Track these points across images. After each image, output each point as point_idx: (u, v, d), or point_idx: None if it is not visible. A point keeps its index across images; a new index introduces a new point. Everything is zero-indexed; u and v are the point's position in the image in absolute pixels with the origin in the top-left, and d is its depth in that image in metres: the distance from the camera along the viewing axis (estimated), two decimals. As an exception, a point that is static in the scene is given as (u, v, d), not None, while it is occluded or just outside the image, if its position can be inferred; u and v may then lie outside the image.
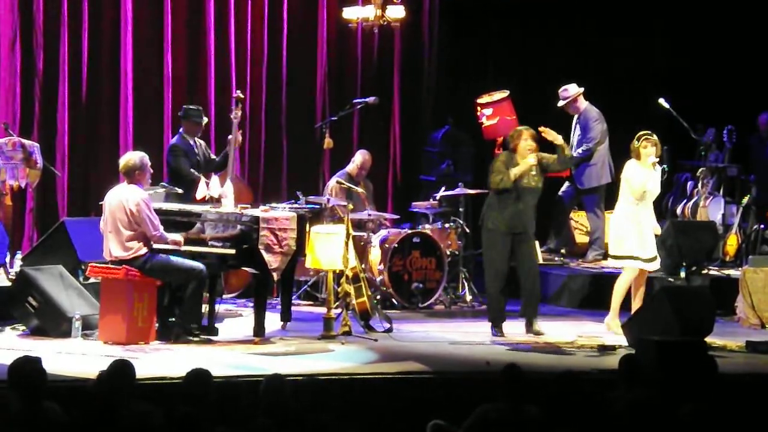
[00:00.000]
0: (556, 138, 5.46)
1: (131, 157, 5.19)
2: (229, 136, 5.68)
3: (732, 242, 6.86)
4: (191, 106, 5.89)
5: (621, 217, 5.54)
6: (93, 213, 6.20)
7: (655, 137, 5.54)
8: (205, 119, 5.83)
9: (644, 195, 5.49)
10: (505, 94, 6.88)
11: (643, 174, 5.49)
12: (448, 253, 6.36)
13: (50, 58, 6.47)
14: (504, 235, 5.40)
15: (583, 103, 6.84)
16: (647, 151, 5.49)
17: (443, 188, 6.63)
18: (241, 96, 5.74)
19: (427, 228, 6.42)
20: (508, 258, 5.41)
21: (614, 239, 5.56)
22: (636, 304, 5.53)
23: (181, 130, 5.81)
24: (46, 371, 3.40)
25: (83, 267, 5.45)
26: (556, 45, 7.71)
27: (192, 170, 5.65)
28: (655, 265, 5.60)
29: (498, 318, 5.48)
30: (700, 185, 7.08)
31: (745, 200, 6.94)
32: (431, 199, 6.60)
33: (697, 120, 7.23)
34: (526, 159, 5.41)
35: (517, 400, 3.41)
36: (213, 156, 5.85)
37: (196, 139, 5.77)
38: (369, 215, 6.37)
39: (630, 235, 5.49)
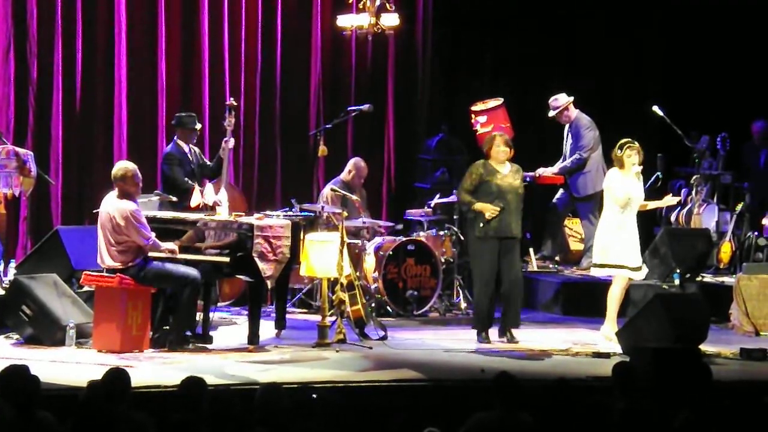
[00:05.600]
0: None
1: (122, 166, 5.16)
2: (223, 143, 5.65)
3: (726, 249, 6.87)
4: (183, 114, 5.88)
5: (606, 226, 5.54)
6: (87, 221, 6.18)
7: (637, 144, 5.53)
8: (199, 125, 5.81)
9: (629, 203, 5.48)
10: (499, 101, 6.90)
11: (625, 182, 5.49)
12: (443, 260, 6.36)
13: (44, 67, 6.46)
14: (491, 242, 5.41)
15: (573, 112, 6.86)
16: (631, 159, 5.48)
17: (438, 196, 6.63)
18: (234, 103, 5.74)
19: (421, 235, 6.43)
20: (497, 266, 5.42)
21: (600, 248, 5.55)
22: (613, 312, 5.50)
23: (175, 137, 5.79)
24: (38, 379, 3.39)
25: (77, 275, 5.44)
26: (551, 53, 7.73)
27: (187, 179, 5.62)
28: (641, 275, 5.59)
29: (485, 326, 5.48)
30: (694, 192, 7.10)
31: (739, 207, 6.96)
32: (426, 207, 6.61)
33: (691, 127, 7.26)
34: (491, 210, 5.38)
35: (511, 407, 3.41)
36: (207, 162, 5.83)
37: (190, 146, 5.75)
38: (363, 223, 6.37)
39: (615, 245, 5.48)
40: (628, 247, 5.50)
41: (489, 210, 5.39)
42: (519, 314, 5.53)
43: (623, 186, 5.48)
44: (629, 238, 5.51)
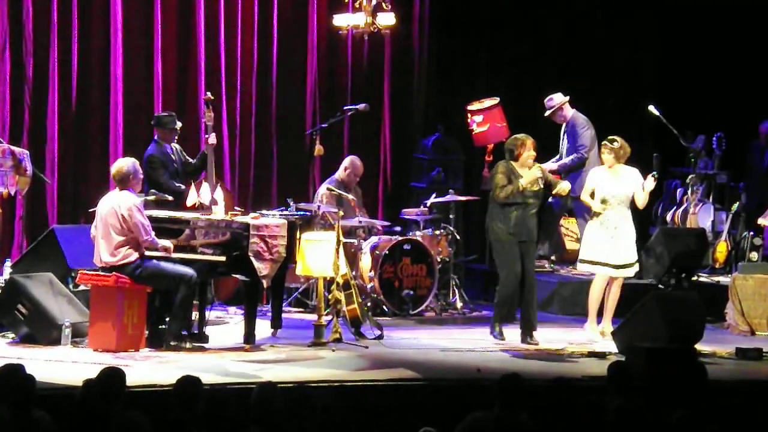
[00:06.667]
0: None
1: (123, 164, 5.18)
2: (209, 141, 5.62)
3: (721, 249, 6.89)
4: (163, 113, 5.86)
5: (590, 223, 5.61)
6: (83, 220, 6.17)
7: (617, 143, 5.57)
8: (179, 124, 5.79)
9: (606, 200, 5.53)
10: (495, 101, 6.89)
11: (604, 179, 5.54)
12: (439, 259, 6.36)
13: (40, 66, 6.44)
14: (512, 243, 5.45)
15: (569, 111, 6.86)
16: (604, 156, 5.57)
17: (434, 195, 6.63)
18: (212, 97, 5.71)
19: (417, 235, 6.42)
20: (521, 262, 5.43)
21: (585, 244, 5.62)
22: (608, 312, 5.55)
23: (155, 137, 5.77)
24: (34, 378, 3.39)
25: (73, 274, 5.43)
26: (547, 52, 7.74)
27: (171, 181, 5.60)
28: (628, 272, 5.60)
29: (505, 320, 5.50)
30: (689, 192, 7.11)
31: (735, 207, 6.97)
32: (422, 206, 6.61)
33: (687, 127, 7.27)
34: (533, 170, 5.46)
35: (511, 408, 3.41)
36: (190, 159, 5.79)
37: (171, 144, 5.72)
38: (360, 222, 6.38)
39: (600, 241, 5.52)
40: (611, 244, 5.52)
41: (531, 179, 5.39)
42: (536, 317, 5.57)
43: (600, 183, 5.54)
44: (613, 235, 5.53)
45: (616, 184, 5.55)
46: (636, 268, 5.65)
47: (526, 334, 5.51)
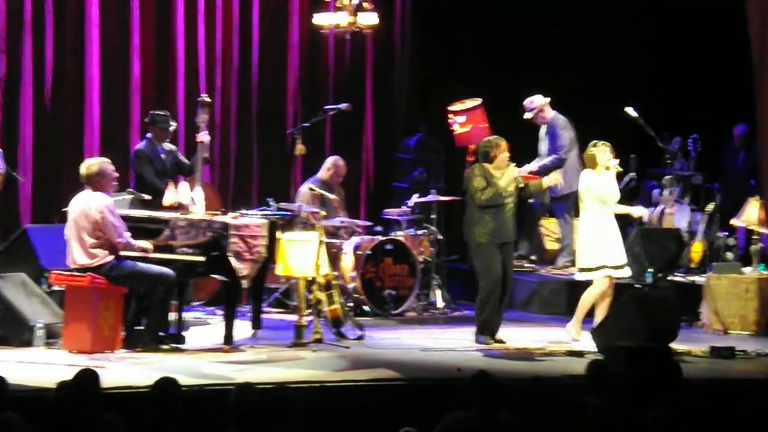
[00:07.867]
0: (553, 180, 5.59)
1: (91, 164, 5.11)
2: (198, 140, 5.59)
3: (697, 249, 6.97)
4: (158, 112, 5.80)
5: (588, 228, 5.58)
6: (56, 220, 6.08)
7: (608, 144, 5.61)
8: (174, 124, 5.73)
9: (608, 200, 5.55)
10: (477, 101, 6.91)
11: (602, 180, 5.56)
12: (421, 259, 6.37)
13: (13, 63, 6.34)
14: (495, 246, 5.43)
15: (549, 113, 6.90)
16: (605, 155, 5.56)
17: (416, 195, 6.64)
18: (207, 99, 5.67)
19: (399, 235, 6.42)
20: (501, 264, 5.43)
21: (584, 252, 5.58)
22: (601, 313, 5.54)
23: (148, 135, 5.71)
24: (5, 380, 3.33)
25: (46, 275, 5.35)
26: (528, 53, 7.78)
27: (155, 178, 5.54)
28: (625, 272, 5.64)
29: (489, 325, 5.48)
30: (666, 193, 7.19)
31: (710, 208, 7.07)
32: (404, 206, 6.61)
33: (663, 129, 7.35)
34: (510, 170, 5.45)
35: (488, 406, 3.42)
36: (185, 160, 5.74)
37: (164, 144, 5.67)
38: (341, 222, 6.35)
39: (599, 246, 5.53)
40: (611, 246, 5.54)
41: (509, 179, 5.40)
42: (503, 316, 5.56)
43: (602, 184, 5.55)
44: (611, 236, 5.56)
45: (610, 186, 5.57)
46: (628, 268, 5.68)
47: (493, 332, 5.47)
